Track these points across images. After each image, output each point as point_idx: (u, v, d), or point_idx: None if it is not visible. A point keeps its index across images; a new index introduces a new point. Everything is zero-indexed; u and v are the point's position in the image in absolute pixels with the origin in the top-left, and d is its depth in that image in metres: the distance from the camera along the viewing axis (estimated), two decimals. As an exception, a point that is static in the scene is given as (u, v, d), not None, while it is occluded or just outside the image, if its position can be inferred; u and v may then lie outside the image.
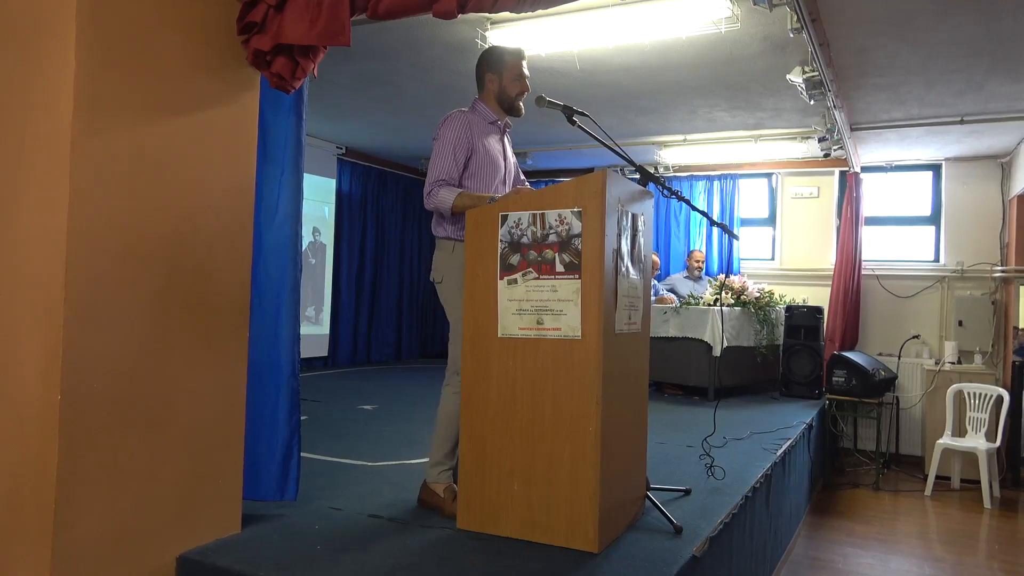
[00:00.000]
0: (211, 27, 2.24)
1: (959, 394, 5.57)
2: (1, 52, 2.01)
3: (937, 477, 5.41)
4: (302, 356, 2.67)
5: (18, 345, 1.94)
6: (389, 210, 8.05)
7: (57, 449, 1.85)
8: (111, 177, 1.98)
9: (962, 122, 5.17)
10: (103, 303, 1.96)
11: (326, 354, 7.28)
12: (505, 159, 2.83)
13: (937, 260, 6.59)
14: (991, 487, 5.13)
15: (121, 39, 1.99)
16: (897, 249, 6.79)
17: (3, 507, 1.95)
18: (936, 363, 6.14)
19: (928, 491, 5.38)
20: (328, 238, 7.30)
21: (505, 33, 3.82)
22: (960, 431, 5.53)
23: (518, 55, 2.77)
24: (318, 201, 7.07)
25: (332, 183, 7.29)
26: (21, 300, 1.95)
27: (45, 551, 1.85)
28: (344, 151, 7.31)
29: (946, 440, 5.41)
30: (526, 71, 2.79)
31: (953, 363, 5.99)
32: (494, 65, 2.77)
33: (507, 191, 2.76)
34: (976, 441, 5.34)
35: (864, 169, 6.57)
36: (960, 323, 6.24)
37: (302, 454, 2.65)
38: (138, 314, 2.05)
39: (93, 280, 1.93)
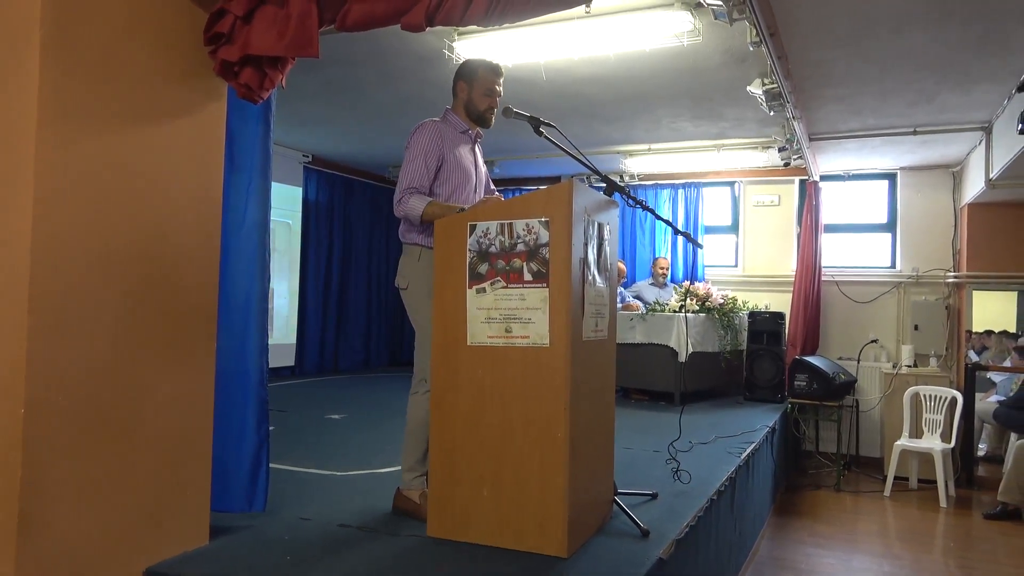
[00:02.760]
0: (178, 37, 2.23)
1: (915, 396, 5.73)
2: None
3: (896, 478, 5.55)
4: (269, 366, 2.66)
5: (-21, 357, 1.91)
6: (356, 218, 8.01)
7: (20, 462, 1.82)
8: (76, 186, 1.96)
9: (915, 132, 5.35)
10: (68, 313, 1.93)
11: (293, 363, 7.21)
12: (476, 168, 2.86)
13: (893, 266, 6.78)
14: (947, 486, 5.28)
15: (87, 48, 1.97)
16: (855, 256, 6.97)
17: (-37, 523, 1.91)
18: (893, 366, 6.31)
19: (887, 491, 5.52)
20: (295, 245, 7.25)
21: (472, 44, 3.86)
22: (917, 432, 5.69)
23: (493, 71, 2.80)
24: (284, 209, 7.02)
25: (299, 191, 7.24)
26: (-18, 312, 1.91)
27: (8, 566, 1.82)
28: (311, 159, 7.27)
29: (904, 441, 5.56)
30: (499, 88, 2.81)
31: (909, 366, 6.16)
32: (467, 75, 2.80)
33: (477, 200, 2.79)
34: (932, 442, 5.49)
35: (823, 178, 6.74)
36: (916, 327, 6.43)
37: (270, 465, 2.64)
38: (104, 324, 2.03)
39: (58, 290, 1.91)
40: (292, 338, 7.21)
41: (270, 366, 2.68)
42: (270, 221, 2.66)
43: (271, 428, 2.66)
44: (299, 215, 7.27)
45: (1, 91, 1.92)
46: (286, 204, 7.06)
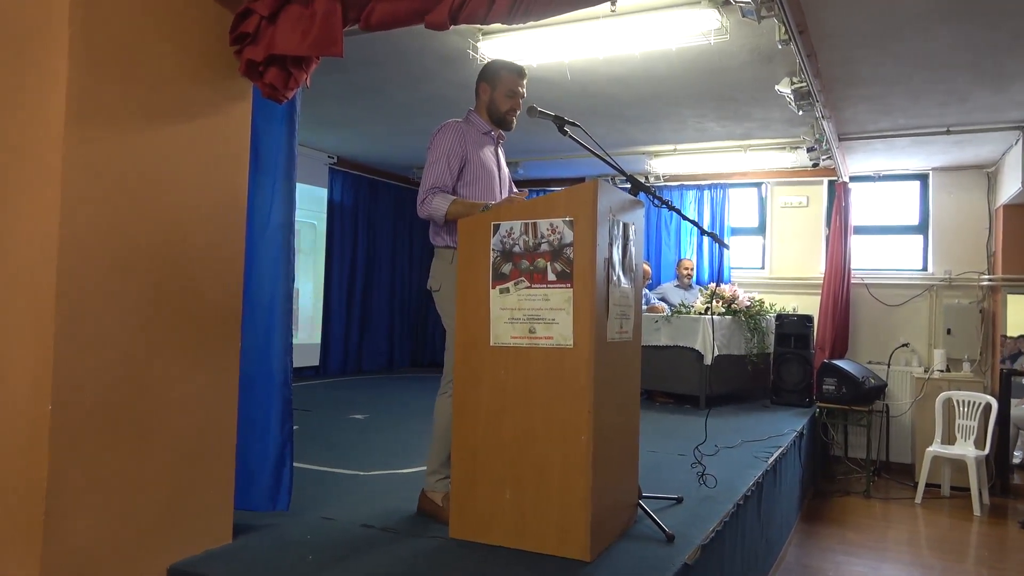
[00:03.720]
0: (203, 37, 2.24)
1: (948, 402, 5.61)
2: (-7, 62, 2.02)
3: (927, 484, 5.43)
4: (294, 366, 2.66)
5: (8, 355, 1.93)
6: (380, 219, 8.05)
7: (47, 460, 1.84)
8: (103, 187, 1.98)
9: (948, 132, 5.23)
10: (94, 313, 1.95)
11: (317, 364, 7.25)
12: (499, 169, 2.85)
13: (925, 269, 6.64)
14: (980, 494, 5.16)
15: (114, 49, 1.99)
16: (886, 258, 6.84)
17: (-8, 518, 1.93)
18: (925, 371, 6.18)
19: (918, 498, 5.40)
20: (320, 246, 7.30)
21: (496, 44, 3.85)
22: (949, 439, 5.56)
23: (517, 72, 2.78)
24: (310, 210, 7.07)
25: (324, 192, 7.29)
26: (12, 311, 1.94)
27: (34, 562, 1.84)
28: (336, 160, 7.32)
29: (936, 448, 5.44)
30: (522, 90, 2.79)
31: (942, 371, 6.03)
32: (490, 77, 2.78)
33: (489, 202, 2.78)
34: (965, 449, 5.37)
35: (852, 179, 6.63)
36: (948, 331, 6.29)
37: (294, 464, 2.64)
38: (128, 324, 2.04)
39: (84, 290, 1.93)
40: (317, 338, 7.25)
41: (295, 366, 2.69)
42: (295, 222, 2.66)
43: (295, 428, 2.66)
44: (324, 216, 7.32)
45: (30, 92, 1.94)
46: (311, 205, 7.11)
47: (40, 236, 1.89)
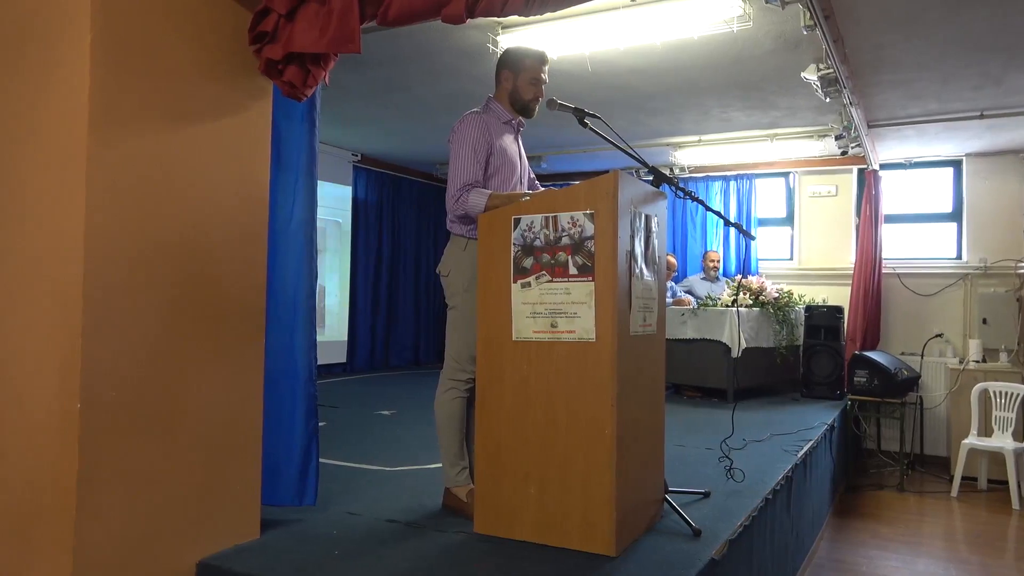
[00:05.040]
0: (222, 37, 2.26)
1: (984, 393, 5.48)
2: (17, 62, 2.05)
3: (963, 478, 5.32)
4: (320, 362, 2.68)
5: (37, 354, 1.97)
6: (404, 215, 8.08)
7: (77, 456, 1.87)
8: (126, 187, 2.00)
9: (981, 117, 5.09)
10: (120, 313, 1.98)
11: (344, 360, 7.31)
12: (520, 158, 2.83)
13: (959, 257, 6.49)
14: (1020, 487, 5.04)
15: (135, 51, 2.01)
16: (918, 247, 6.69)
17: (23, 515, 1.97)
18: (960, 362, 6.04)
19: (954, 492, 5.29)
20: (345, 244, 7.34)
21: (516, 37, 3.83)
22: (986, 431, 5.43)
23: (539, 58, 2.75)
24: (334, 208, 7.11)
25: (348, 190, 7.33)
26: (39, 309, 1.97)
27: (66, 558, 1.87)
28: (359, 158, 7.36)
29: (972, 440, 5.32)
30: (544, 76, 2.76)
31: (978, 362, 5.89)
32: (512, 64, 2.75)
33: (522, 190, 2.76)
34: (1003, 441, 5.24)
35: (883, 166, 6.50)
36: (984, 321, 6.14)
37: (320, 459, 2.66)
38: (154, 323, 2.07)
39: (110, 290, 1.95)
40: (343, 335, 7.31)
41: (322, 363, 2.71)
42: (317, 219, 2.68)
43: (321, 424, 2.68)
44: (349, 213, 7.36)
45: (53, 96, 1.97)
46: (336, 203, 7.15)
47: (66, 237, 1.92)
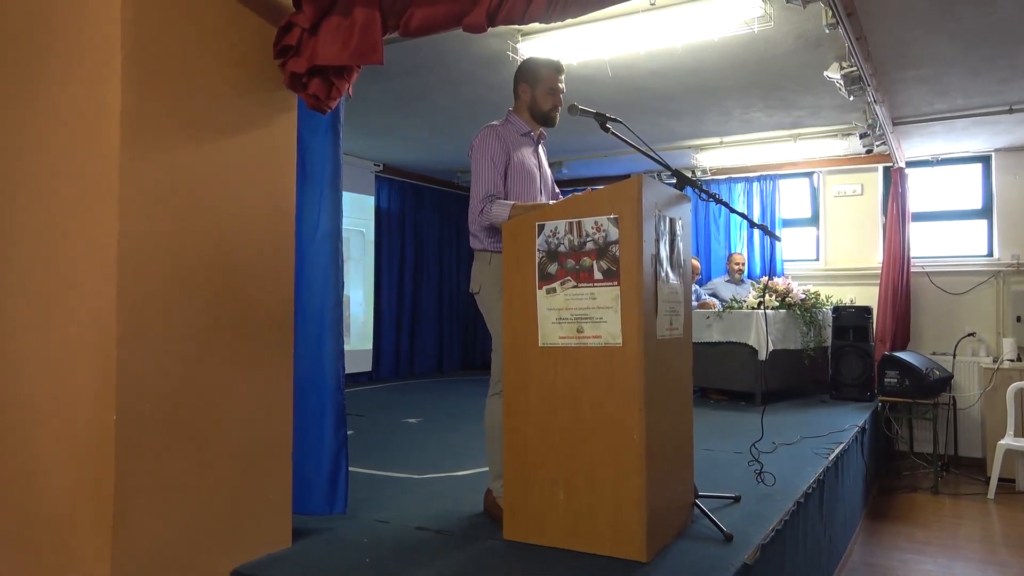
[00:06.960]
0: (248, 52, 2.30)
1: (1020, 392, 5.36)
2: (51, 80, 2.10)
3: (1000, 479, 5.20)
4: (347, 371, 2.70)
5: (73, 367, 2.01)
6: (427, 224, 8.12)
7: (113, 467, 1.90)
8: (158, 201, 2.04)
9: (1010, 111, 5.01)
10: (153, 325, 2.01)
11: (370, 369, 7.36)
12: (540, 169, 2.83)
13: (991, 254, 6.37)
14: (1058, 488, 4.92)
15: (163, 67, 2.05)
16: (947, 245, 6.58)
17: (62, 524, 2.01)
18: (994, 361, 5.92)
19: (991, 494, 5.18)
20: (368, 253, 7.40)
21: (536, 44, 3.84)
22: (1023, 431, 5.32)
23: (554, 68, 2.76)
24: (357, 218, 7.17)
25: (371, 200, 7.39)
26: (75, 323, 2.01)
27: (104, 567, 1.91)
28: (382, 168, 7.41)
29: (1008, 441, 5.21)
30: (562, 85, 2.77)
31: (1012, 360, 5.77)
32: (528, 76, 2.77)
33: (542, 202, 2.76)
34: (1040, 441, 5.13)
35: (909, 164, 6.40)
36: (1018, 319, 6.01)
37: (349, 468, 2.68)
38: (186, 334, 2.10)
39: (143, 304, 1.99)
40: (369, 344, 7.36)
41: (348, 372, 2.72)
42: (342, 230, 2.70)
43: (350, 432, 2.70)
44: (372, 223, 7.42)
45: (86, 114, 2.01)
46: (359, 213, 7.21)
47: (101, 251, 1.96)
